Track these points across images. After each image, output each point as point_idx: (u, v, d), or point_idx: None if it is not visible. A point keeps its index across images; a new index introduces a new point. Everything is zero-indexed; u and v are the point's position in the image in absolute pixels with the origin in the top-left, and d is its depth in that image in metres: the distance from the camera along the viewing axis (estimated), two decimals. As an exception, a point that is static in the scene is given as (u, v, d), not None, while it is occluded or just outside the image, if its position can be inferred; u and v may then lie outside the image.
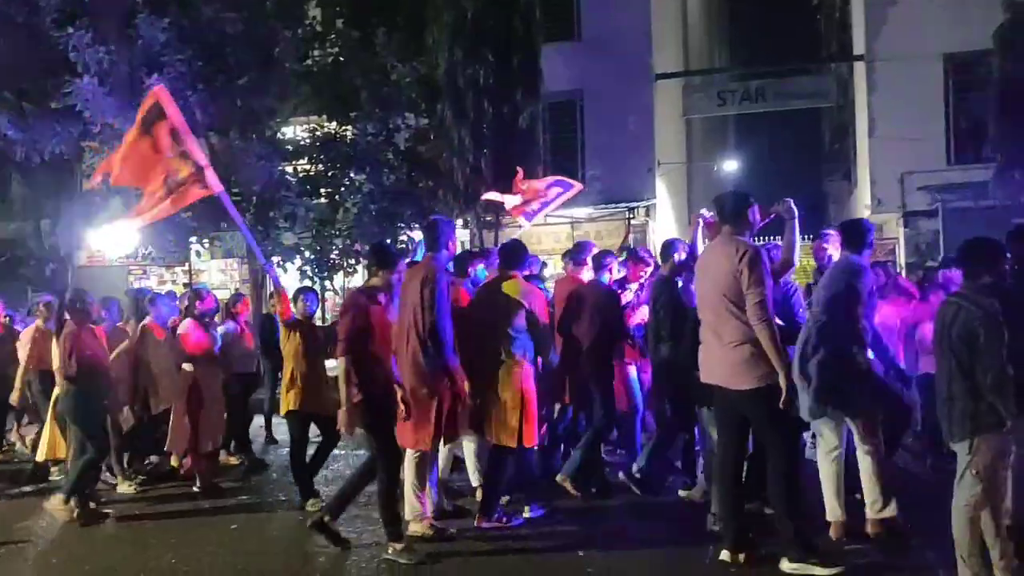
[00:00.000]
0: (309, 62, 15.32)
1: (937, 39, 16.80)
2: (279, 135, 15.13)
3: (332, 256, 15.75)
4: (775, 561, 4.92)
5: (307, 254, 15.38)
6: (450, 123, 15.20)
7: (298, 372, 6.84)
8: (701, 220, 6.39)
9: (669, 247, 6.69)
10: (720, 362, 4.98)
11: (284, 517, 6.80)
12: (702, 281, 5.16)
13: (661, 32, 19.53)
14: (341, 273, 16.18)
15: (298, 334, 6.95)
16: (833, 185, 27.08)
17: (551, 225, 18.17)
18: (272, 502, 7.26)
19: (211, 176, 6.62)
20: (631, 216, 18.55)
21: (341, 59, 15.48)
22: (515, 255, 6.24)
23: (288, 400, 6.84)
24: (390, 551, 5.42)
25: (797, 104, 20.29)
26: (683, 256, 6.57)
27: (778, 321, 5.13)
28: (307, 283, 14.41)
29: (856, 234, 5.49)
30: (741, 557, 4.99)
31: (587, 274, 7.03)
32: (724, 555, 5.04)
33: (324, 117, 15.79)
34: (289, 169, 15.00)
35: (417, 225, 14.78)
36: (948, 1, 16.78)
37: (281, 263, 14.38)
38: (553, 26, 17.03)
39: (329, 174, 15.46)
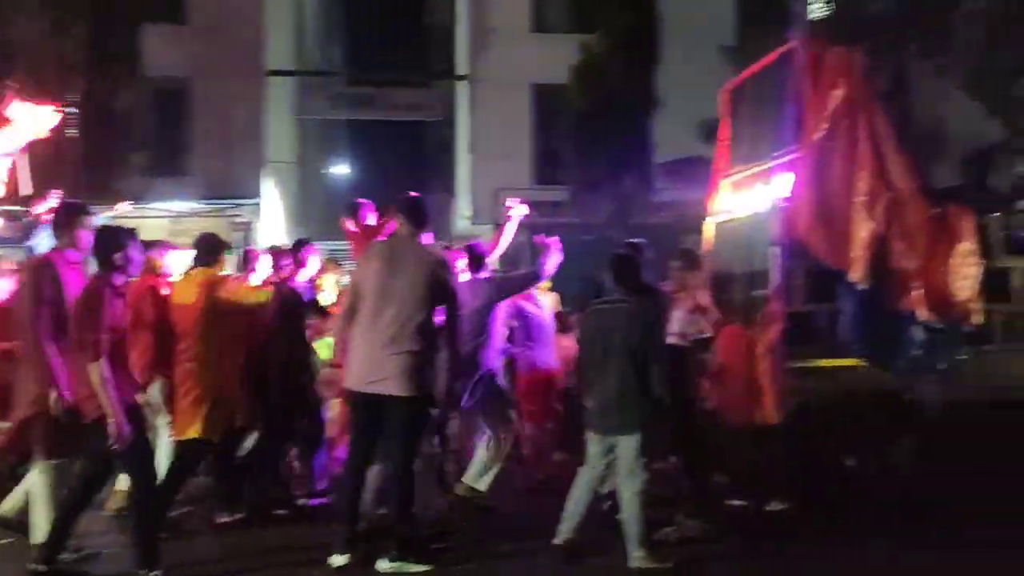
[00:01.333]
0: None
1: (529, 69, 18.59)
2: None
3: None
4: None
5: None
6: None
7: None
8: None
9: (299, 246, 6.65)
10: (386, 366, 4.85)
11: None
12: (378, 280, 4.98)
13: (275, 26, 19.26)
14: None
15: None
16: (436, 196, 28.66)
17: (148, 218, 17.01)
18: None
19: None
20: (237, 213, 18.02)
21: None
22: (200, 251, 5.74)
23: None
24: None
25: (405, 115, 21.24)
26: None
27: None
28: None
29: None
30: (345, 559, 4.92)
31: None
32: (334, 559, 4.93)
33: None
34: None
35: None
36: (538, 36, 18.76)
37: None
38: (157, 5, 16.01)
39: None
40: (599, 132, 14.74)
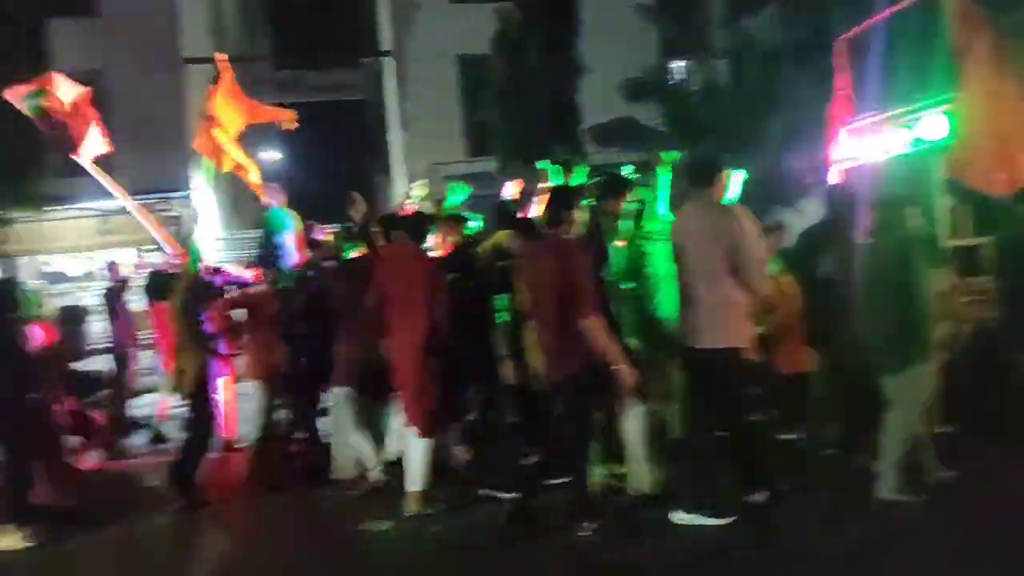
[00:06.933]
0: None
1: (452, 41, 18.37)
2: None
3: None
4: None
5: None
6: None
7: None
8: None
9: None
10: (704, 322, 5.10)
11: None
12: (686, 244, 5.24)
13: (191, 14, 18.77)
14: None
15: None
16: (375, 175, 28.36)
17: (74, 219, 16.71)
18: None
19: None
20: (167, 208, 17.64)
21: None
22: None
23: None
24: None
25: (331, 96, 20.91)
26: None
27: None
28: None
29: None
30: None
31: None
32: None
33: None
34: None
35: None
36: (459, 8, 18.54)
37: None
38: (66, -2, 15.55)
39: None
40: (525, 101, 14.66)
